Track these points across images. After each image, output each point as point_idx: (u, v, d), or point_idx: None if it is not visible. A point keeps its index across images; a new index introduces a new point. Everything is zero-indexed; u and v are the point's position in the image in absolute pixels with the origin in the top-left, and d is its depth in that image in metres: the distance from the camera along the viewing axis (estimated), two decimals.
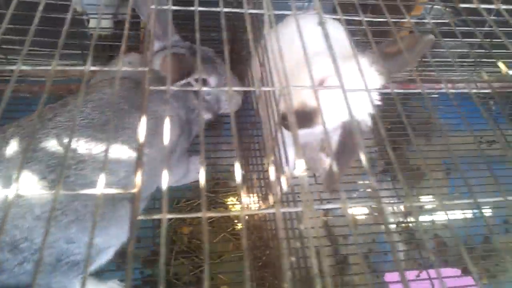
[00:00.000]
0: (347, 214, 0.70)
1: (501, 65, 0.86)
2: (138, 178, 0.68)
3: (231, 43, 1.83)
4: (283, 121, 1.27)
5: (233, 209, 2.02)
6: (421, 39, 1.05)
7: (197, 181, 2.08)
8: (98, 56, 2.10)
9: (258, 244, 1.65)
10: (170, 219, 1.77)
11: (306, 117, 1.22)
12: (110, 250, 1.43)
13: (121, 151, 1.40)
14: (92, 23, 2.12)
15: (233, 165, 2.03)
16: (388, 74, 1.26)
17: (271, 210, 0.71)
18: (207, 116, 1.83)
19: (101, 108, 1.44)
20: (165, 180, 0.69)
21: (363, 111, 1.30)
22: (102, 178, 0.66)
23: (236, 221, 1.96)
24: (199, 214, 0.71)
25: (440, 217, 2.11)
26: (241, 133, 1.79)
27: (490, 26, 2.18)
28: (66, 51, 1.89)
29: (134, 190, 0.67)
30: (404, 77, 2.32)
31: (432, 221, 2.10)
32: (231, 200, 2.05)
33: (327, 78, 1.28)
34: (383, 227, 2.05)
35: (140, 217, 0.71)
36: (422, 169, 2.23)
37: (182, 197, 2.01)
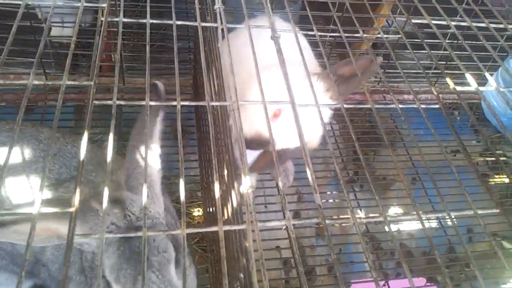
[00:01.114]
0: (292, 233, 0.69)
1: (448, 81, 0.87)
2: (77, 197, 0.66)
3: (196, 53, 1.82)
4: (247, 144, 1.34)
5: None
6: (373, 62, 1.06)
7: None
8: (61, 64, 2.05)
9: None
10: None
11: (261, 144, 1.35)
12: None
13: None
14: (54, 31, 2.08)
15: (199, 175, 2.01)
16: (341, 96, 1.30)
17: (214, 228, 0.69)
18: None
19: None
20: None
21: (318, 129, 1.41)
22: (39, 197, 0.64)
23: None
24: (139, 234, 0.69)
25: (405, 226, 2.13)
26: (204, 143, 1.77)
27: (456, 39, 2.22)
28: (22, 59, 1.86)
29: (71, 209, 0.65)
30: (367, 88, 2.35)
31: (398, 230, 2.12)
32: (197, 211, 2.03)
33: (282, 110, 1.31)
34: (350, 238, 2.06)
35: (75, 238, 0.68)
36: (388, 179, 2.25)
37: None
